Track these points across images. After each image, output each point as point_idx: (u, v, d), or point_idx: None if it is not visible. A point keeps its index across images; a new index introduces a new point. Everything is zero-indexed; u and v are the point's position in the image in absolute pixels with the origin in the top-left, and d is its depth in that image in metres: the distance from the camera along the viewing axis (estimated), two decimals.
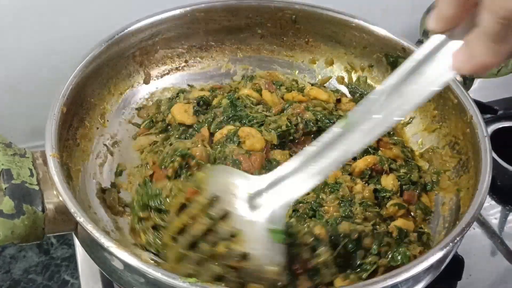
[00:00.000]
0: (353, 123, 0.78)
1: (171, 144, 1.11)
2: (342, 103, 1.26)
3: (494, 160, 1.11)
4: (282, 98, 1.24)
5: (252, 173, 1.00)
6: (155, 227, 0.94)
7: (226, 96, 1.21)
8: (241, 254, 0.82)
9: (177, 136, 1.15)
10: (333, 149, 0.79)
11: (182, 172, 1.04)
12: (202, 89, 1.28)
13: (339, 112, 1.22)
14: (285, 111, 1.17)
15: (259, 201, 0.84)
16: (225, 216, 0.85)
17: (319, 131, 1.12)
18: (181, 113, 1.18)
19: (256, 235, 0.82)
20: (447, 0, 0.67)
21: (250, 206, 0.84)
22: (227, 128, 1.12)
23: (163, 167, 1.05)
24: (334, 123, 1.11)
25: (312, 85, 1.30)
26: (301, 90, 1.27)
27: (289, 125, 1.12)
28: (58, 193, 0.89)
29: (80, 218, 0.85)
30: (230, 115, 1.15)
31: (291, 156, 1.06)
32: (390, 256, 0.96)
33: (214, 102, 1.21)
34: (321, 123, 1.15)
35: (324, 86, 1.32)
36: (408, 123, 1.24)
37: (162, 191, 0.96)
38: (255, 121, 1.14)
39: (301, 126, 1.13)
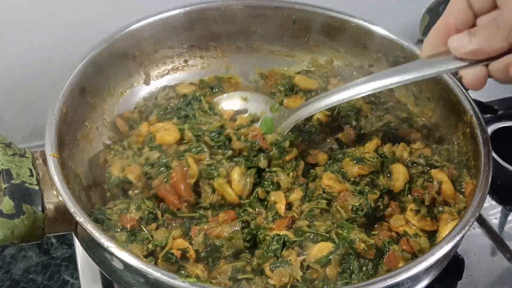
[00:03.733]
0: None
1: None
2: (331, 85, 1.25)
3: (494, 160, 1.11)
4: None
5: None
6: None
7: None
8: None
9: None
10: None
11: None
12: (191, 83, 1.27)
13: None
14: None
15: None
16: None
17: None
18: None
19: None
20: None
21: None
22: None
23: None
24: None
25: (299, 72, 1.30)
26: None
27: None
28: (58, 193, 0.89)
29: (80, 218, 0.85)
30: (176, 109, 1.15)
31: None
32: None
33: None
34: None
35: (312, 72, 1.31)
36: None
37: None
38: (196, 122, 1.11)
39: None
